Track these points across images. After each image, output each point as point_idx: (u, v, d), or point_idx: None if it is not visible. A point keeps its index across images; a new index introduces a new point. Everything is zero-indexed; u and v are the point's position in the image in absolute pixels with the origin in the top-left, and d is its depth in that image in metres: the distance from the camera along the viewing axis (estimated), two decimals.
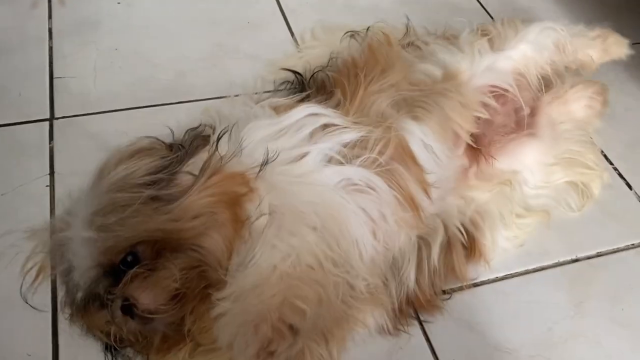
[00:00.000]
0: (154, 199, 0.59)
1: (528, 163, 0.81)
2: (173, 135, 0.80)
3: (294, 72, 0.88)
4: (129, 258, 0.59)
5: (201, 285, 0.59)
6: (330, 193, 0.63)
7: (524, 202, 0.80)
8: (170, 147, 0.63)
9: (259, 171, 0.61)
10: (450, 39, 0.88)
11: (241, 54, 1.01)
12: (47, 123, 0.85)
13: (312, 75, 0.85)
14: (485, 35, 0.85)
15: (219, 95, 0.92)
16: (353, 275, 0.60)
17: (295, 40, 1.04)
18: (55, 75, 0.92)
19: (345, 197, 0.63)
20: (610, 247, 0.80)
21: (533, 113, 0.84)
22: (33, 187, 0.77)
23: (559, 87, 0.84)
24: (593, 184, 0.83)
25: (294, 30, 1.06)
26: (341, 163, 0.65)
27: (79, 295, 0.60)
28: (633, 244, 0.81)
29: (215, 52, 1.00)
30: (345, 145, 0.67)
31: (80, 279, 0.59)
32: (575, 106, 0.84)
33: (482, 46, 0.83)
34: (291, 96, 0.81)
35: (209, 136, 0.66)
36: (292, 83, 0.87)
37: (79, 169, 0.78)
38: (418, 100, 0.76)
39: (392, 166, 0.68)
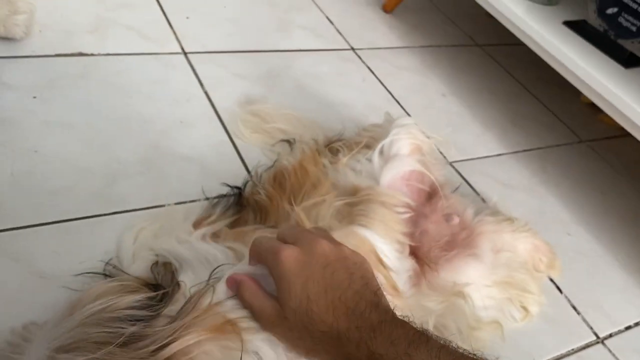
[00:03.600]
0: (133, 343, 0.51)
1: (470, 280, 0.84)
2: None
3: (234, 187, 0.88)
4: None
5: None
6: None
7: (475, 314, 0.82)
8: (154, 286, 0.56)
9: None
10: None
11: (177, 157, 0.95)
12: None
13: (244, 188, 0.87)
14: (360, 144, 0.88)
15: (156, 204, 0.86)
16: None
17: (233, 143, 1.01)
18: None
19: None
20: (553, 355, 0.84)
21: (473, 233, 0.87)
22: None
23: (508, 219, 0.90)
24: (531, 307, 0.87)
25: (229, 130, 1.03)
26: None
27: None
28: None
29: (149, 154, 0.94)
30: None
31: None
32: (521, 246, 0.89)
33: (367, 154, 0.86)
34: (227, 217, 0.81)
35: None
36: (227, 198, 0.86)
37: (5, 300, 0.68)
38: (353, 210, 0.78)
39: None
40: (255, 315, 0.54)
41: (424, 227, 0.84)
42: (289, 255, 0.53)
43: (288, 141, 0.99)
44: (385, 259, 0.73)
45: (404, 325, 0.50)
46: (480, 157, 1.20)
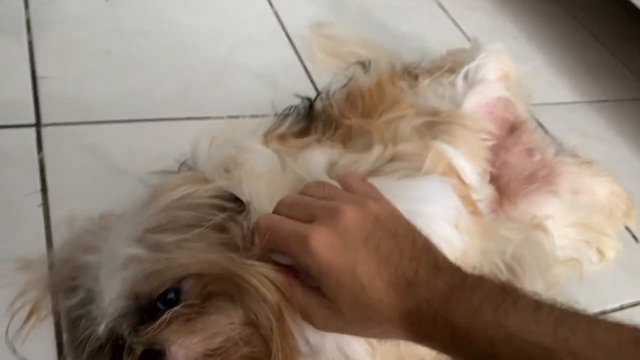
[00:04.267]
0: (222, 229, 0.49)
1: (549, 216, 0.80)
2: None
3: (305, 98, 0.83)
4: (171, 295, 0.48)
5: (242, 352, 0.46)
6: None
7: (553, 251, 0.79)
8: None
9: None
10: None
11: (248, 72, 0.92)
12: (33, 130, 0.72)
13: (315, 100, 0.82)
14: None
15: (229, 114, 0.83)
16: None
17: (303, 64, 0.98)
18: (38, 73, 0.78)
19: None
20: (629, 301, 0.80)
21: (553, 172, 0.83)
22: (22, 205, 0.63)
23: (588, 163, 0.86)
24: (607, 251, 0.83)
25: (299, 52, 1.00)
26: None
27: (99, 330, 0.46)
28: None
29: (220, 67, 0.91)
30: None
31: (106, 309, 0.46)
32: (599, 190, 0.84)
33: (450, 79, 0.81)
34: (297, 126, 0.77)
35: None
36: (297, 109, 0.82)
37: (77, 188, 0.67)
38: (435, 128, 0.74)
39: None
40: (303, 316, 0.46)
41: (505, 158, 0.80)
42: (319, 241, 0.43)
43: (362, 64, 0.94)
44: (466, 178, 0.70)
45: (480, 284, 0.41)
46: (555, 103, 1.14)
